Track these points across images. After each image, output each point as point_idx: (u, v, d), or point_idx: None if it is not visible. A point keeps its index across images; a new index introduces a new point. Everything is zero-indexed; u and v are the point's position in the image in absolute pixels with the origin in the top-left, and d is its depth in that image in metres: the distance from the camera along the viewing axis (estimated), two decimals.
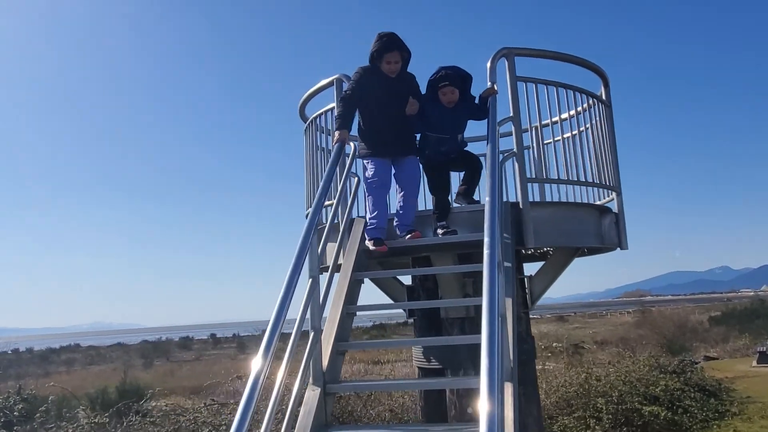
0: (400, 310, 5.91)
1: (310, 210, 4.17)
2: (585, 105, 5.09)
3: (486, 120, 4.61)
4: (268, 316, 3.17)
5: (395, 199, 4.95)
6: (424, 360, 5.20)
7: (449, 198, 5.25)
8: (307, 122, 5.90)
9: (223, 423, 9.15)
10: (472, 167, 5.01)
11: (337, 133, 4.72)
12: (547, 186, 5.20)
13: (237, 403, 9.84)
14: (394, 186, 4.93)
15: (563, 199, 5.01)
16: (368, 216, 4.83)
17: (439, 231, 4.73)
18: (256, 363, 2.96)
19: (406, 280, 5.69)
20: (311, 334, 3.62)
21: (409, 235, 4.72)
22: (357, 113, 4.87)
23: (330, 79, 5.29)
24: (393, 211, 4.97)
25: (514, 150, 4.57)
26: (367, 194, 4.90)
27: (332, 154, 4.62)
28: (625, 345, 25.98)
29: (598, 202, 5.30)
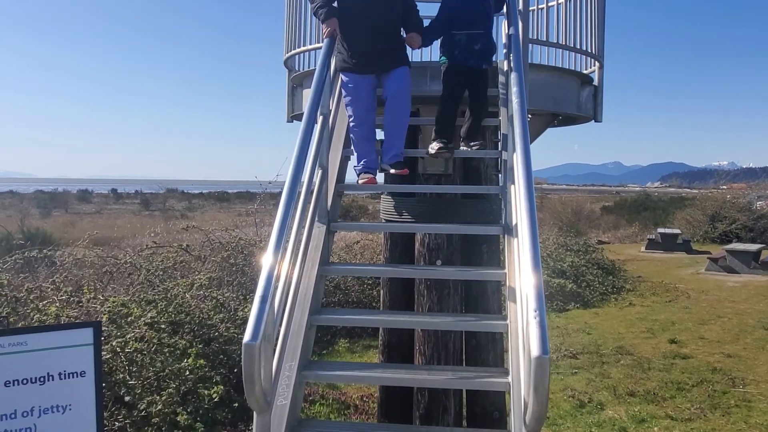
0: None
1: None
2: None
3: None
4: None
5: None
6: (395, 213, 5.29)
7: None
8: None
9: (158, 268, 9.08)
10: (481, 101, 4.26)
11: (324, 26, 3.91)
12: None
13: (174, 247, 9.79)
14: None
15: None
16: (353, 149, 4.13)
17: (439, 150, 4.08)
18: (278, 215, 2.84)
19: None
20: (318, 173, 3.59)
21: (394, 170, 4.12)
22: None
23: None
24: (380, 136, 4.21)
25: (520, 9, 4.47)
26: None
27: (322, 52, 3.86)
28: None
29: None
